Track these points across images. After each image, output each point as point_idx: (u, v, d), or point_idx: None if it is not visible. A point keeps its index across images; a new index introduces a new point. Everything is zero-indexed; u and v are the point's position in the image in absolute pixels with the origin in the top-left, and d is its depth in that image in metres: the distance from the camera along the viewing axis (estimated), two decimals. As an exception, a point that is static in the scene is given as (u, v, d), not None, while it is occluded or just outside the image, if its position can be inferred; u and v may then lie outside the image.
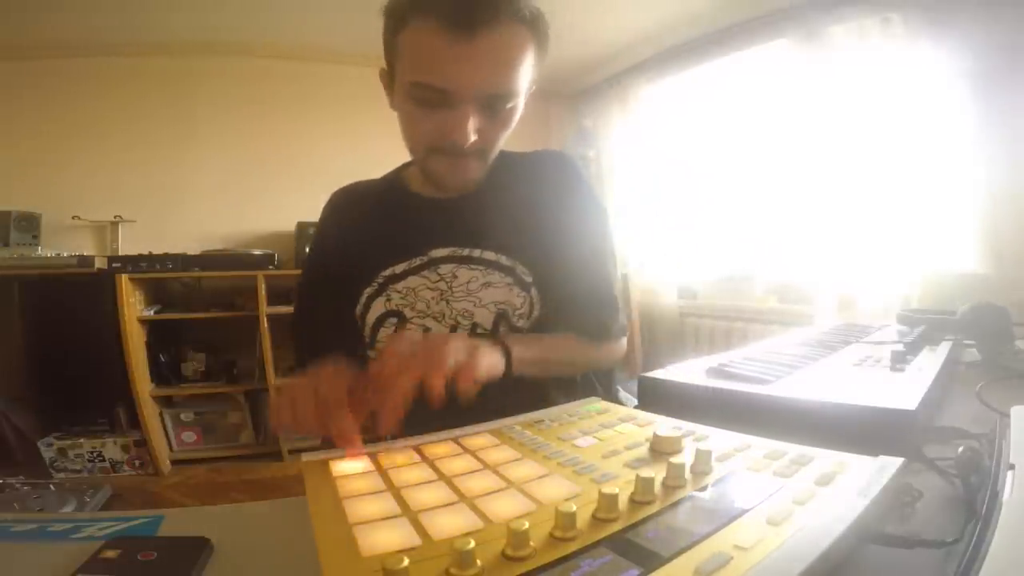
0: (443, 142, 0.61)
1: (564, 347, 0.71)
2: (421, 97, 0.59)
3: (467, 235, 0.71)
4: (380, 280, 0.72)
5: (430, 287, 0.71)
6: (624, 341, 0.80)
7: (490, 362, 0.54)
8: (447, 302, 0.70)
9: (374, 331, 0.72)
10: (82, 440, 2.36)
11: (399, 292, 0.71)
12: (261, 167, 2.85)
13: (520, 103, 0.63)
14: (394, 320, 0.71)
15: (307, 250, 0.89)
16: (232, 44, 2.75)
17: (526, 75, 0.61)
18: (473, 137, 0.60)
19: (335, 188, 0.84)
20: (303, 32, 2.68)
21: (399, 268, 0.71)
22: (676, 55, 2.70)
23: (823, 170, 2.16)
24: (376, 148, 2.79)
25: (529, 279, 0.71)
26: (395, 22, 0.59)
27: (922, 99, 1.89)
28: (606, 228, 0.78)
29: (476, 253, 0.70)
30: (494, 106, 0.60)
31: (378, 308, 0.72)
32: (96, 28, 2.46)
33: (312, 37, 2.74)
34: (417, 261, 0.71)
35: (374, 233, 0.74)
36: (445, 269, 0.70)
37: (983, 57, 1.68)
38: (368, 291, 0.72)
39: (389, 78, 0.65)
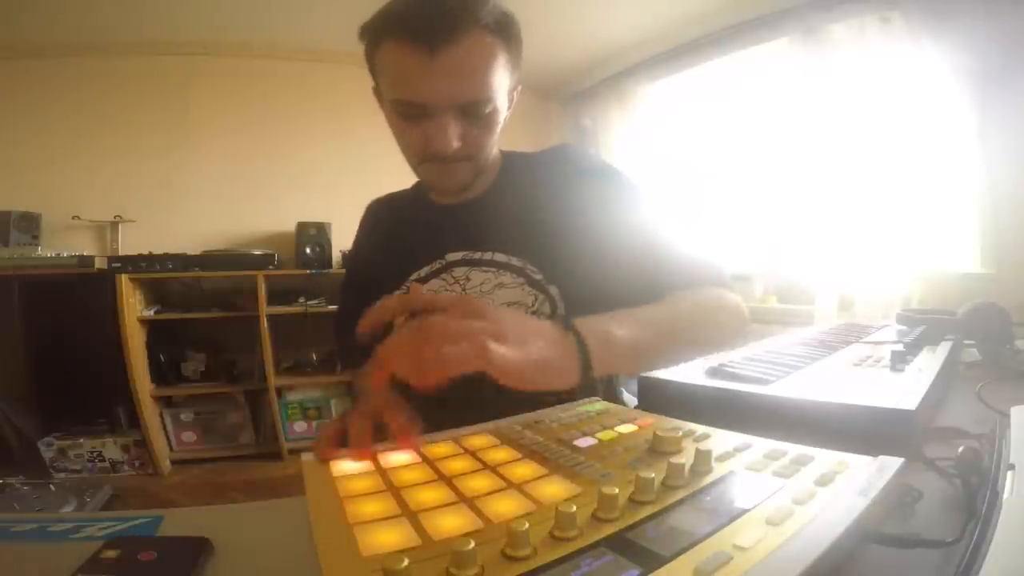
0: (428, 152, 0.63)
1: (671, 312, 0.58)
2: (403, 112, 0.63)
3: (478, 238, 0.73)
4: (409, 284, 0.75)
5: (448, 288, 0.73)
6: (734, 295, 0.68)
7: (535, 359, 0.42)
8: None
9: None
10: (82, 440, 2.36)
11: None
12: (261, 167, 2.85)
13: (501, 105, 0.64)
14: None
15: (346, 258, 0.93)
16: (231, 44, 2.75)
17: (499, 79, 0.62)
18: (455, 144, 0.62)
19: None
20: (303, 32, 2.68)
21: (423, 272, 0.75)
22: (676, 55, 2.70)
23: (823, 169, 2.16)
24: (375, 148, 2.79)
25: (539, 277, 0.71)
26: (370, 44, 0.63)
27: (922, 97, 1.89)
28: (634, 204, 0.73)
29: (487, 256, 0.72)
30: (472, 112, 0.62)
31: None
32: (96, 28, 2.46)
33: (312, 37, 2.74)
34: (437, 265, 0.74)
35: (401, 240, 0.79)
36: (459, 272, 0.73)
37: (983, 55, 1.68)
38: (399, 294, 0.75)
39: (379, 96, 0.68)
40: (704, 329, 0.62)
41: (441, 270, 0.74)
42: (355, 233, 0.89)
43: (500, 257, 0.72)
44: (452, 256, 0.74)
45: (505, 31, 0.61)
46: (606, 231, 0.70)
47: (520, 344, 0.41)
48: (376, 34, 0.61)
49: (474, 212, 0.75)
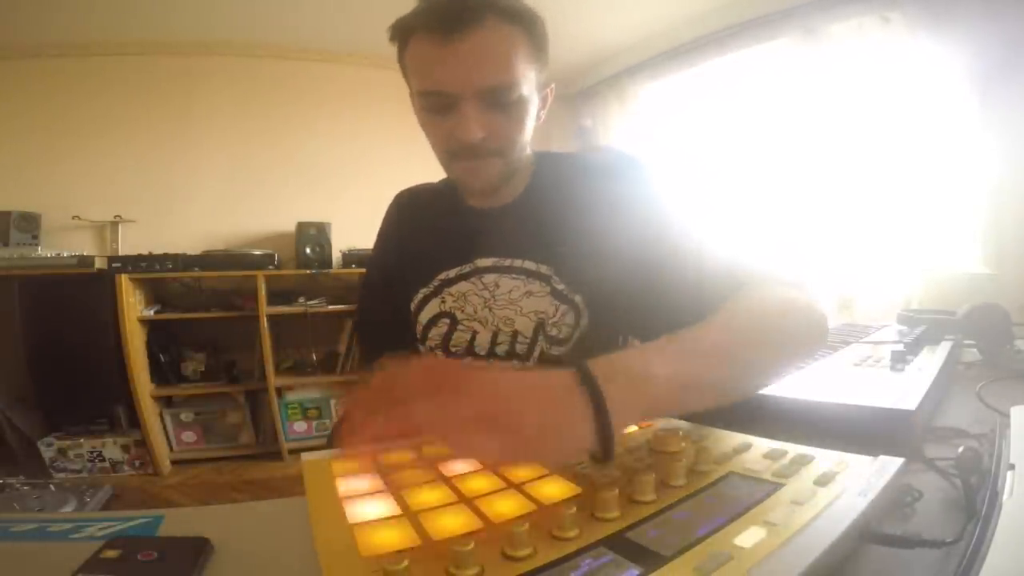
0: (455, 144, 0.64)
1: (726, 328, 0.45)
2: (428, 106, 0.63)
3: (509, 245, 0.73)
4: (436, 283, 0.76)
5: (477, 293, 0.74)
6: (808, 295, 0.56)
7: (531, 432, 0.32)
8: (490, 309, 0.73)
9: (426, 330, 0.76)
10: (82, 440, 2.36)
11: (452, 295, 0.75)
12: (261, 167, 2.84)
13: (528, 96, 0.64)
14: (446, 320, 0.75)
15: (372, 249, 0.91)
16: (232, 44, 2.75)
17: (519, 67, 0.62)
18: (480, 134, 0.62)
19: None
20: (303, 32, 2.68)
21: (452, 273, 0.75)
22: (676, 55, 2.70)
23: (824, 169, 2.16)
24: (375, 148, 2.80)
25: (562, 287, 0.70)
26: (399, 43, 0.65)
27: (924, 97, 1.89)
28: (675, 216, 0.68)
29: (517, 263, 0.72)
30: (496, 101, 0.62)
31: (432, 309, 0.76)
32: (96, 28, 2.46)
33: (312, 37, 2.74)
34: (467, 268, 0.74)
35: (431, 237, 0.79)
36: (489, 279, 0.73)
37: (985, 54, 1.68)
38: (424, 291, 0.76)
39: (412, 99, 0.68)
40: (770, 343, 0.47)
41: (470, 274, 0.74)
42: (382, 225, 0.88)
43: (530, 265, 0.72)
44: (482, 262, 0.74)
45: (522, 21, 0.62)
46: (640, 238, 0.65)
47: (511, 418, 0.32)
48: (403, 33, 0.63)
49: (506, 218, 0.74)
